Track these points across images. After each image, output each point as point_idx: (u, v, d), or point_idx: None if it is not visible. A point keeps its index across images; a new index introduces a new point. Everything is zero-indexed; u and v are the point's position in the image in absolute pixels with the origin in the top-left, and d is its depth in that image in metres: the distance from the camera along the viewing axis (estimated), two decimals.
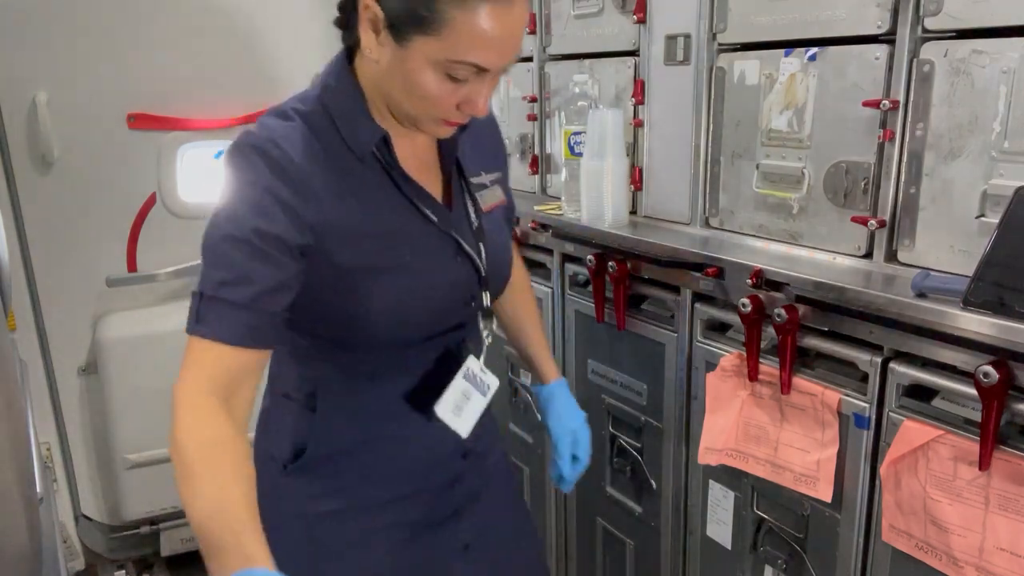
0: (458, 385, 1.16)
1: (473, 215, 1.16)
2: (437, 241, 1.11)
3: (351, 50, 1.08)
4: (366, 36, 0.98)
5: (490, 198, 1.22)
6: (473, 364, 1.18)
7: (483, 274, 1.16)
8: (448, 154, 1.15)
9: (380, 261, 1.05)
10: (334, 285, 1.04)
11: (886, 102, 1.31)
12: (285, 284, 0.98)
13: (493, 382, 1.22)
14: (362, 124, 1.04)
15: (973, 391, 1.12)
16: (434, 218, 1.10)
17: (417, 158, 1.12)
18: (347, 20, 1.05)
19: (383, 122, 1.06)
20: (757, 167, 1.58)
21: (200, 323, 1.00)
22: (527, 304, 1.46)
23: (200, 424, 0.95)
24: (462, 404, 1.16)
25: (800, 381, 1.42)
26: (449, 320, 1.15)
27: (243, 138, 1.00)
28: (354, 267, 1.04)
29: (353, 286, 1.04)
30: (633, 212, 1.90)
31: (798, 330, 1.39)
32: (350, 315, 1.06)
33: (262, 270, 0.96)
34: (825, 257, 1.47)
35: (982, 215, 1.22)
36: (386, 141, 1.05)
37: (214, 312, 0.97)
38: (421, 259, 1.09)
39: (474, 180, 1.19)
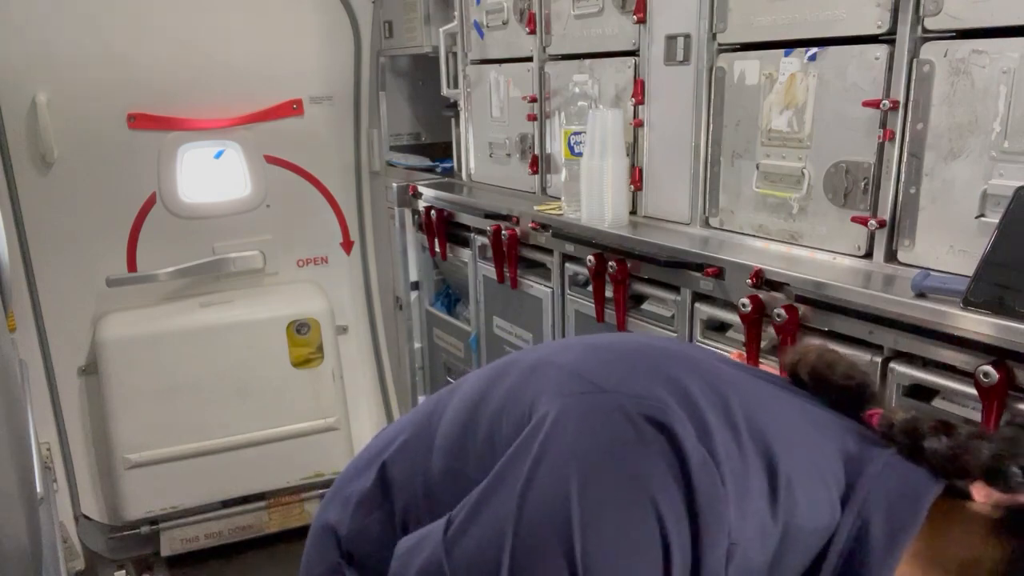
0: None
1: None
2: None
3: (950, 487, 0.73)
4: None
5: None
6: None
7: None
8: None
9: None
10: None
11: (886, 102, 1.31)
12: None
13: None
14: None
15: (973, 391, 1.12)
16: None
17: None
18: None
19: None
20: (757, 167, 1.58)
21: None
22: None
23: None
24: None
25: None
26: None
27: (687, 447, 0.66)
28: None
29: None
30: (633, 212, 1.90)
31: (798, 330, 1.39)
32: None
33: None
34: (825, 257, 1.46)
35: (982, 215, 1.22)
36: None
37: None
38: None
39: None
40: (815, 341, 1.24)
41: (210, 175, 2.96)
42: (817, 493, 0.70)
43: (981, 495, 0.71)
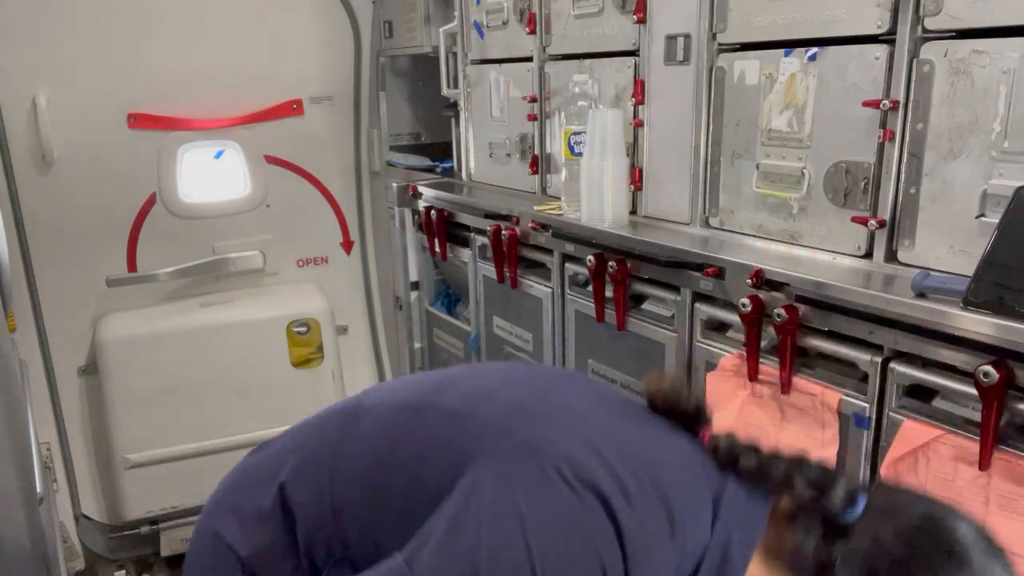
0: None
1: None
2: None
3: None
4: None
5: None
6: None
7: None
8: None
9: None
10: None
11: (886, 102, 1.31)
12: None
13: None
14: None
15: (973, 391, 1.12)
16: None
17: None
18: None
19: None
20: (757, 167, 1.58)
21: None
22: None
23: None
24: None
25: (800, 381, 1.42)
26: None
27: (615, 504, 0.79)
28: None
29: None
30: (633, 212, 1.90)
31: (798, 330, 1.39)
32: None
33: None
34: (825, 257, 1.46)
35: (982, 215, 1.22)
36: None
37: None
38: None
39: None
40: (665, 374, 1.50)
41: (210, 175, 2.96)
42: (699, 525, 0.85)
43: (785, 500, 0.89)
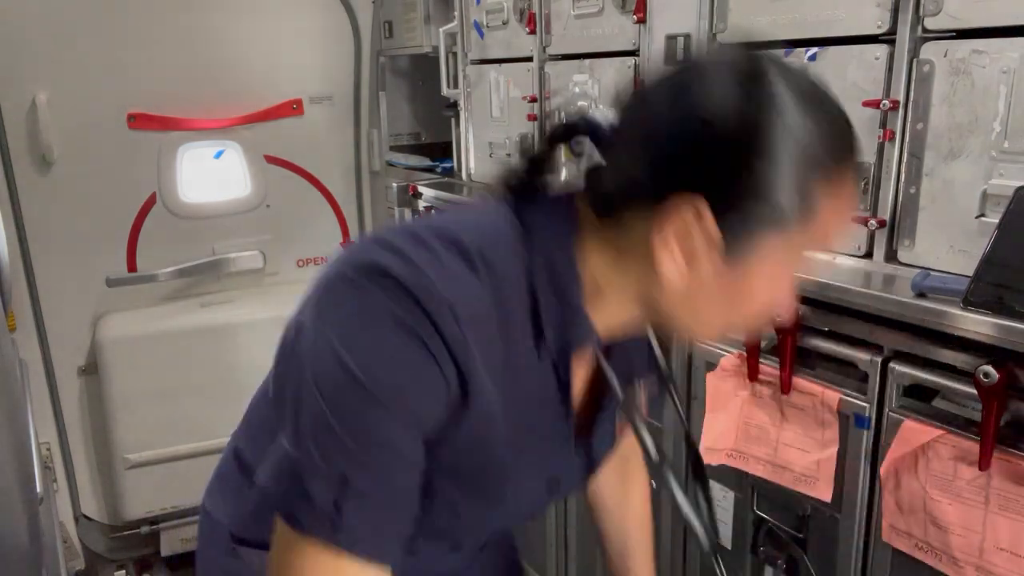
0: None
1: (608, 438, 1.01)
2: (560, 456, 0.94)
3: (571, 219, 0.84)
4: (669, 263, 0.74)
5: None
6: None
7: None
8: (625, 366, 0.93)
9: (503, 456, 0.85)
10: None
11: (886, 102, 1.31)
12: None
13: None
14: (578, 322, 0.82)
15: (973, 391, 1.12)
16: (571, 434, 0.91)
17: (585, 363, 0.92)
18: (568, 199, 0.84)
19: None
20: None
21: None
22: (644, 540, 1.27)
23: None
24: None
25: (800, 381, 1.42)
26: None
27: (392, 267, 0.73)
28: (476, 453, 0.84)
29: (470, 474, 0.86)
30: None
31: (798, 330, 1.39)
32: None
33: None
34: (825, 257, 1.46)
35: (982, 215, 1.22)
36: (600, 348, 0.87)
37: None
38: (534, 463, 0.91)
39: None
40: None
41: (210, 175, 2.96)
42: (501, 249, 0.79)
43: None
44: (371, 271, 0.74)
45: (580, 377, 0.90)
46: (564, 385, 0.85)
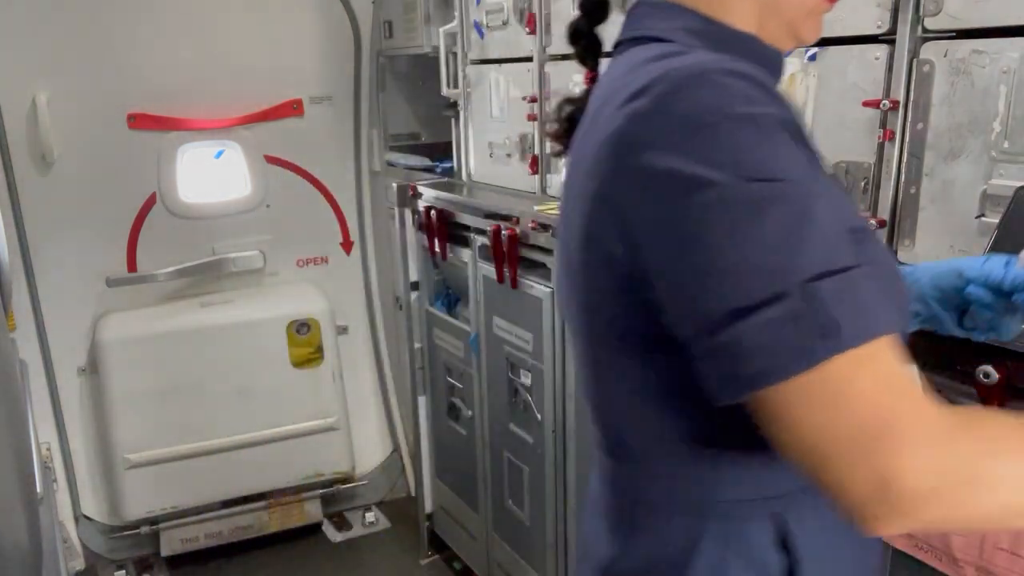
0: None
1: None
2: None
3: None
4: None
5: None
6: None
7: None
8: None
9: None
10: None
11: (886, 102, 1.31)
12: None
13: None
14: (769, 53, 0.82)
15: (973, 390, 1.12)
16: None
17: None
18: None
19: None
20: None
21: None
22: None
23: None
24: None
25: None
26: None
27: (717, 72, 0.68)
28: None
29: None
30: None
31: None
32: None
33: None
34: None
35: (982, 215, 1.22)
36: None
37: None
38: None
39: None
40: None
41: (210, 175, 2.96)
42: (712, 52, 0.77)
43: None
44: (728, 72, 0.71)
45: None
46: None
